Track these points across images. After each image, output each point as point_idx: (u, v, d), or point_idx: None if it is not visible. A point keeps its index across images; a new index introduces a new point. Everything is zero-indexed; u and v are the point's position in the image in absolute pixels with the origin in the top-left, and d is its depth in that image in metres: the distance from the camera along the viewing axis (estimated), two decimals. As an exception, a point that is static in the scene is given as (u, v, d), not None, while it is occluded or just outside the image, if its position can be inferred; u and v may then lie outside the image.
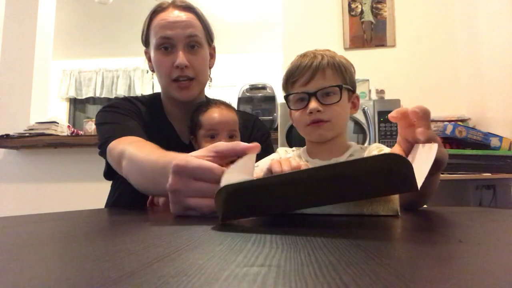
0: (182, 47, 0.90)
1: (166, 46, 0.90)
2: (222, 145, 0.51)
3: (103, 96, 5.17)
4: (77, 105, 5.37)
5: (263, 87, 2.33)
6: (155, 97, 1.02)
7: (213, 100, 1.00)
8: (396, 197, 0.47)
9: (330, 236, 0.30)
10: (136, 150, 0.71)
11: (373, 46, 2.36)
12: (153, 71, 0.97)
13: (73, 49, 4.83)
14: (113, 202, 0.99)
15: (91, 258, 0.21)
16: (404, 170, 0.34)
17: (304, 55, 0.84)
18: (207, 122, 0.90)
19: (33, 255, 0.22)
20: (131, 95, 4.85)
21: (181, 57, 0.88)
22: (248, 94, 2.33)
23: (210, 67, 1.01)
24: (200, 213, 0.47)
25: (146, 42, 0.97)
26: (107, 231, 0.37)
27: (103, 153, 0.84)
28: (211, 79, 1.03)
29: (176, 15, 0.91)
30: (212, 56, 1.02)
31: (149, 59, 0.98)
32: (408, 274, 0.16)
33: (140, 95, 1.04)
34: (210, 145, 0.52)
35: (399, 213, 0.47)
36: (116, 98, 0.97)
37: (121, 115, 0.89)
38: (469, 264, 0.19)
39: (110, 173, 0.87)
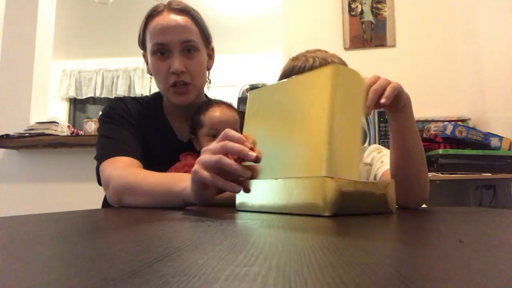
0: (178, 52, 0.89)
1: (162, 51, 0.90)
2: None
3: (103, 96, 5.16)
4: (77, 105, 5.36)
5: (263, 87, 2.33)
6: (156, 96, 1.03)
7: (215, 100, 1.00)
8: (324, 197, 0.46)
9: (330, 236, 0.30)
10: (132, 172, 0.80)
11: (373, 46, 2.36)
12: (151, 74, 0.97)
13: (73, 49, 4.82)
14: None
15: (91, 258, 0.21)
16: None
17: (295, 59, 0.84)
18: (209, 121, 0.91)
19: (33, 255, 0.22)
20: (131, 95, 4.86)
21: (177, 63, 0.88)
22: (248, 94, 2.32)
23: (209, 69, 1.01)
24: (214, 180, 0.54)
25: (143, 45, 0.97)
26: (107, 231, 0.37)
27: (97, 168, 0.89)
28: (209, 80, 1.03)
29: (171, 19, 0.90)
30: (211, 57, 1.01)
31: (147, 62, 0.98)
32: (408, 274, 0.16)
33: (141, 95, 1.04)
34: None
35: (329, 213, 0.46)
36: (113, 102, 0.97)
37: (117, 126, 0.91)
38: (469, 264, 0.19)
39: None
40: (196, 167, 0.56)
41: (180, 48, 0.90)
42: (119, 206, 0.79)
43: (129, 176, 0.78)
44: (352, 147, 0.51)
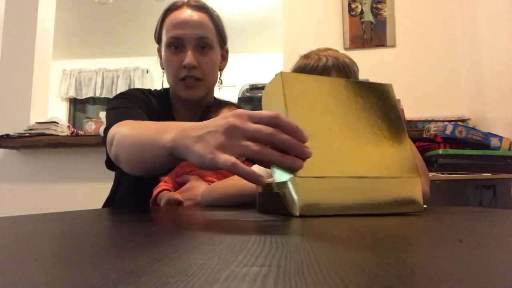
0: (192, 47, 0.90)
1: (176, 45, 0.90)
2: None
3: (103, 96, 5.17)
4: (77, 105, 5.37)
5: (263, 87, 2.33)
6: (166, 92, 1.03)
7: (224, 101, 1.00)
8: (421, 195, 0.52)
9: (330, 236, 0.30)
10: (129, 127, 0.69)
11: (373, 46, 2.36)
12: (163, 68, 0.98)
13: (73, 49, 4.83)
14: (112, 201, 0.99)
15: (91, 258, 0.21)
16: None
17: (307, 57, 0.83)
18: None
19: (33, 255, 0.22)
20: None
21: (189, 57, 0.89)
22: (248, 94, 2.33)
23: (221, 69, 1.02)
24: (247, 173, 0.42)
25: (158, 39, 0.97)
26: (107, 231, 0.37)
27: (104, 139, 0.80)
28: (221, 81, 1.03)
29: (189, 14, 0.91)
30: (224, 58, 1.02)
31: (161, 57, 0.98)
32: (408, 274, 0.16)
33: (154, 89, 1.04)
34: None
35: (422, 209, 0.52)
36: (131, 89, 0.97)
37: (132, 103, 0.89)
38: (469, 264, 0.19)
39: (110, 161, 0.82)
40: (216, 154, 0.43)
41: (195, 44, 0.90)
42: (124, 166, 0.70)
43: (123, 130, 0.69)
44: None
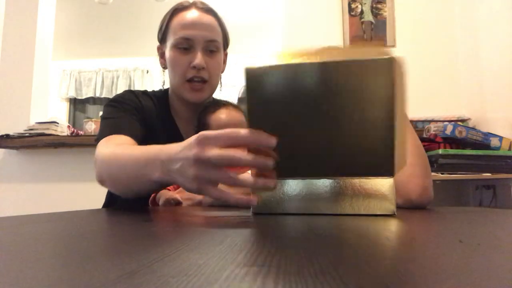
0: (201, 49, 0.90)
1: (185, 46, 0.91)
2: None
3: (103, 96, 5.16)
4: (77, 105, 5.36)
5: (263, 87, 2.33)
6: (164, 93, 1.02)
7: (221, 101, 1.00)
8: (392, 197, 0.48)
9: (330, 236, 0.30)
10: (113, 149, 0.71)
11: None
12: (164, 68, 0.97)
13: (73, 49, 4.82)
14: (112, 201, 0.99)
15: (91, 258, 0.21)
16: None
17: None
18: (215, 123, 0.90)
19: (33, 255, 0.22)
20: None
21: (199, 58, 0.89)
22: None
23: (222, 72, 1.02)
24: (224, 197, 0.46)
25: (162, 38, 0.97)
26: (107, 231, 0.37)
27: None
28: (221, 83, 1.04)
29: (198, 16, 0.91)
30: (224, 61, 1.02)
31: (161, 56, 0.98)
32: (408, 274, 0.16)
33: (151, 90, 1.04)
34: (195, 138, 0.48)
35: (395, 213, 0.48)
36: (123, 92, 0.96)
37: (122, 111, 0.89)
38: (469, 264, 0.19)
39: None
40: (205, 189, 0.47)
41: (203, 46, 0.91)
42: (109, 188, 0.75)
43: (107, 155, 0.70)
44: (404, 144, 0.50)
